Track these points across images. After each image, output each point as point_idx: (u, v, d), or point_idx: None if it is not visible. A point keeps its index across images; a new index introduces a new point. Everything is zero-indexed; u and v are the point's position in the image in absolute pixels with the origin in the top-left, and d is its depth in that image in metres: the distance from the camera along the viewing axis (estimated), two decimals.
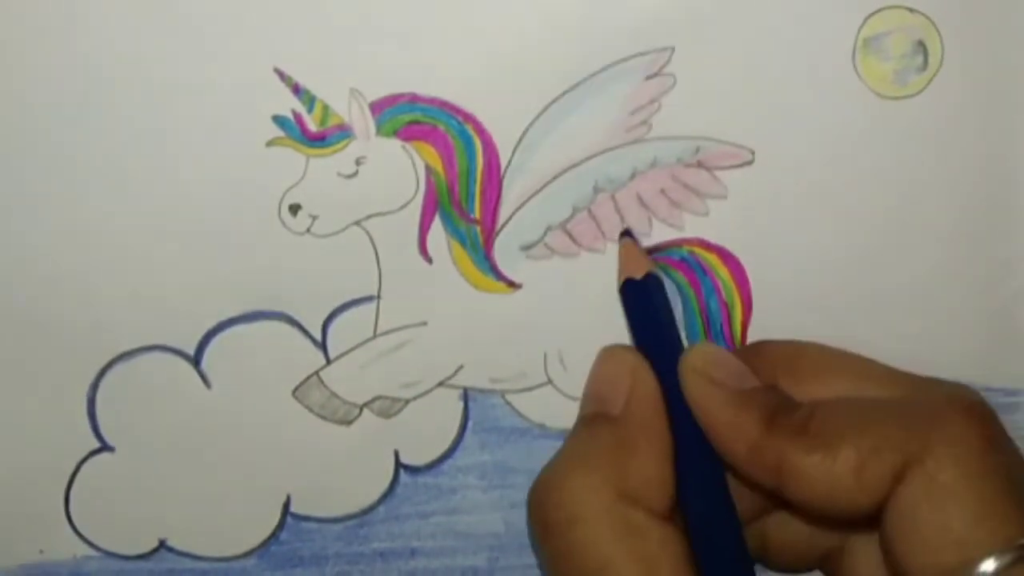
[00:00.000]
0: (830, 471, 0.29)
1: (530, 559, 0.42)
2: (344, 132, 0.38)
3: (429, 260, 0.39)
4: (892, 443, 0.29)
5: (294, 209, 0.39)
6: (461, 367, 0.40)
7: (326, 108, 0.38)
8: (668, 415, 0.33)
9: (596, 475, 0.31)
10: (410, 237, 0.39)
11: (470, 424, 0.41)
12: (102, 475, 0.40)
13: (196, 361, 0.40)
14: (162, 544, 0.41)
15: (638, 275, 0.37)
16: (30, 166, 0.38)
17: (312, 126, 0.38)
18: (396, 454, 0.41)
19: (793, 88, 0.39)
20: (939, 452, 0.28)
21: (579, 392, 0.40)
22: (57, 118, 0.38)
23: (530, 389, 0.41)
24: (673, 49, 0.39)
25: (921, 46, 0.38)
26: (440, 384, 0.41)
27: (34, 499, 0.41)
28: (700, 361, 0.33)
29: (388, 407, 0.41)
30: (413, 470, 0.41)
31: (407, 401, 0.41)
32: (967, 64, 0.39)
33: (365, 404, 0.40)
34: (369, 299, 0.40)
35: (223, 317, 0.39)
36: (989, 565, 0.27)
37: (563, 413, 0.41)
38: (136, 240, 0.39)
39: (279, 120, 0.38)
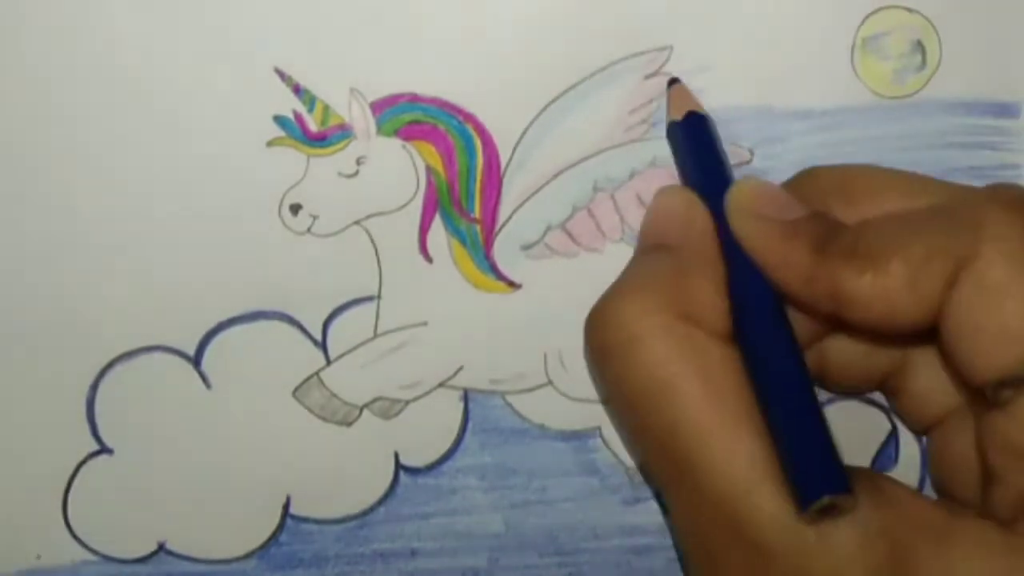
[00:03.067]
0: (883, 289, 0.29)
1: (531, 559, 0.42)
2: (345, 132, 0.38)
3: (429, 260, 0.39)
4: (940, 250, 0.28)
5: (295, 209, 0.39)
6: (461, 368, 0.40)
7: (327, 108, 0.38)
8: (722, 248, 0.33)
9: (656, 297, 0.31)
10: (410, 237, 0.39)
11: (470, 425, 0.41)
12: (101, 478, 0.40)
13: (196, 361, 0.40)
14: (161, 547, 0.41)
15: (680, 116, 0.37)
16: (30, 166, 0.38)
17: (313, 126, 0.38)
18: (396, 455, 0.41)
19: (792, 88, 0.39)
20: (987, 250, 0.28)
21: (580, 393, 0.41)
22: (57, 118, 0.38)
23: (530, 390, 0.41)
24: (671, 48, 0.39)
25: (919, 46, 0.39)
26: (440, 385, 0.40)
27: (31, 503, 0.40)
28: (745, 195, 0.33)
29: (388, 408, 0.41)
30: (413, 471, 0.41)
31: (407, 402, 0.41)
32: (965, 64, 0.39)
33: (365, 405, 0.40)
34: (369, 299, 0.40)
35: (223, 317, 0.39)
36: None
37: (564, 414, 0.41)
38: (136, 240, 0.39)
39: (280, 120, 0.38)
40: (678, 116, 0.37)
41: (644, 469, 0.31)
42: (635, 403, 0.30)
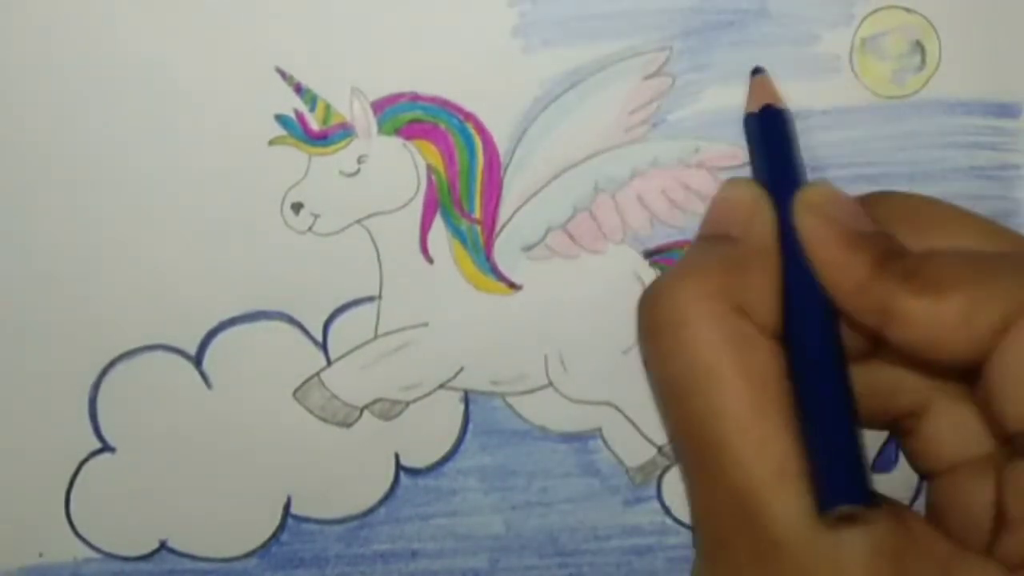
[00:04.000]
0: (936, 316, 0.29)
1: (531, 560, 0.42)
2: (346, 131, 0.38)
3: (430, 260, 0.40)
4: (1005, 292, 0.29)
5: (296, 208, 0.39)
6: (461, 369, 0.40)
7: (328, 107, 0.38)
8: (782, 247, 0.33)
9: (710, 283, 0.31)
10: (411, 237, 0.39)
11: (471, 426, 0.41)
12: (103, 476, 0.40)
13: (198, 361, 0.40)
14: (163, 545, 0.41)
15: (756, 108, 0.37)
16: (31, 166, 0.38)
17: (314, 125, 0.38)
18: (396, 456, 0.41)
19: (792, 88, 0.39)
20: None
21: (580, 394, 0.41)
22: (58, 117, 0.38)
23: (531, 391, 0.41)
24: (671, 49, 0.39)
25: (918, 46, 0.39)
26: (441, 386, 0.41)
27: (34, 500, 0.40)
28: (817, 198, 0.33)
29: (388, 409, 0.41)
30: (414, 472, 0.41)
31: (407, 403, 0.41)
32: (964, 64, 0.39)
33: (365, 406, 0.40)
34: (370, 299, 0.40)
35: (225, 317, 0.40)
36: None
37: (564, 415, 0.41)
38: (138, 239, 0.39)
39: (281, 119, 0.38)
40: (754, 108, 0.37)
41: (673, 449, 0.31)
42: (676, 383, 0.31)
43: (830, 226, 0.32)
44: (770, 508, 0.28)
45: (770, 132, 0.36)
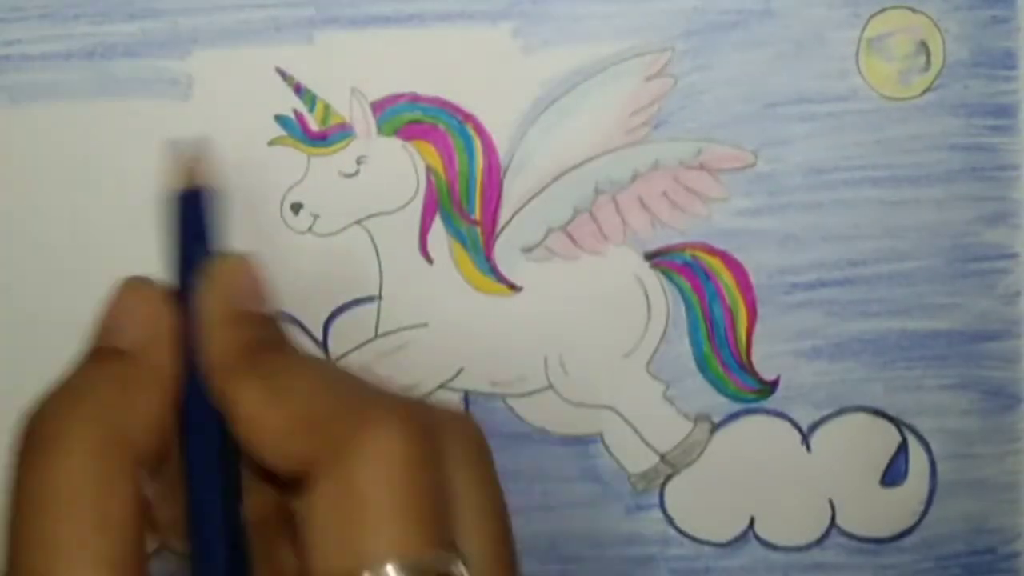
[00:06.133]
0: (261, 417, 0.28)
1: (531, 566, 0.41)
2: (345, 131, 0.39)
3: (430, 260, 0.40)
4: (321, 422, 0.27)
5: (296, 208, 0.39)
6: (461, 370, 0.40)
7: (327, 107, 0.38)
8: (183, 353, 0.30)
9: (88, 406, 0.29)
10: (411, 237, 0.39)
11: None
12: None
13: None
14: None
15: (179, 187, 0.33)
16: (30, 166, 0.39)
17: (313, 125, 0.39)
18: None
19: (796, 89, 0.39)
20: (359, 451, 0.27)
21: (581, 397, 0.40)
22: (57, 118, 0.38)
23: (531, 393, 0.41)
24: (673, 50, 0.39)
25: (923, 46, 0.38)
26: (441, 387, 0.40)
27: None
28: (221, 271, 0.32)
29: None
30: None
31: None
32: (969, 64, 0.38)
33: None
34: (370, 299, 0.40)
35: None
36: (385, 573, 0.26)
37: (565, 418, 0.41)
38: (137, 239, 0.39)
39: (281, 119, 0.38)
40: (177, 187, 0.33)
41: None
42: (25, 505, 0.28)
43: (224, 301, 0.31)
44: None
45: (178, 215, 0.33)
